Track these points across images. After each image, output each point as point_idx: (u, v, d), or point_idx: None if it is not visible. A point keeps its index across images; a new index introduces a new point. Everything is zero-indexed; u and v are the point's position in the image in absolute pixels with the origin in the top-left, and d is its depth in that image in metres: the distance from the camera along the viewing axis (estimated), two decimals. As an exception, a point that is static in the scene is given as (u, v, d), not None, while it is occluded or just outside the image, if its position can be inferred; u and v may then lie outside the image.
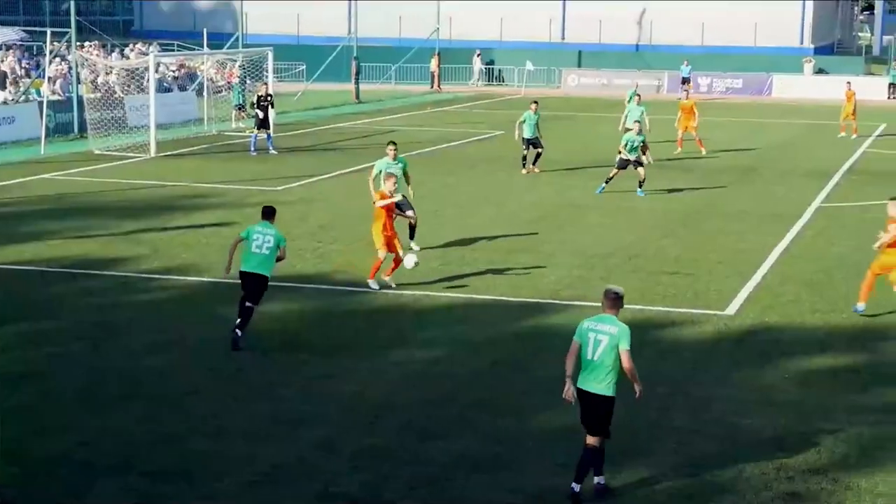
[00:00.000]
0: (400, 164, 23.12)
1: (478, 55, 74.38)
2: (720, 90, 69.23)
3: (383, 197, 20.62)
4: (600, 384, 11.93)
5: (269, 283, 17.56)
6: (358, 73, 63.67)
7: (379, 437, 13.78)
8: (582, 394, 12.02)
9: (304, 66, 69.82)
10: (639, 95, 38.76)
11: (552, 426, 14.14)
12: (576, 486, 11.94)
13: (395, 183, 20.76)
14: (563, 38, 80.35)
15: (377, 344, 17.52)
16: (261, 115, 39.19)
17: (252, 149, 39.21)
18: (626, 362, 11.79)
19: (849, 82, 51.55)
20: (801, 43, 77.55)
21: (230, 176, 33.88)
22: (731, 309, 19.55)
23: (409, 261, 20.29)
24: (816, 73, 72.11)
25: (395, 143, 23.85)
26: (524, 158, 34.50)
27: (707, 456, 13.23)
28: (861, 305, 19.13)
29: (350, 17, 70.12)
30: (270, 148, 39.26)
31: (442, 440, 13.67)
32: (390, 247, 20.37)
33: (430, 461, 13.03)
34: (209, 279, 21.35)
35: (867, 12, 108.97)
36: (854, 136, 45.86)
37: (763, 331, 18.41)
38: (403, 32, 78.36)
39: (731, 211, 27.86)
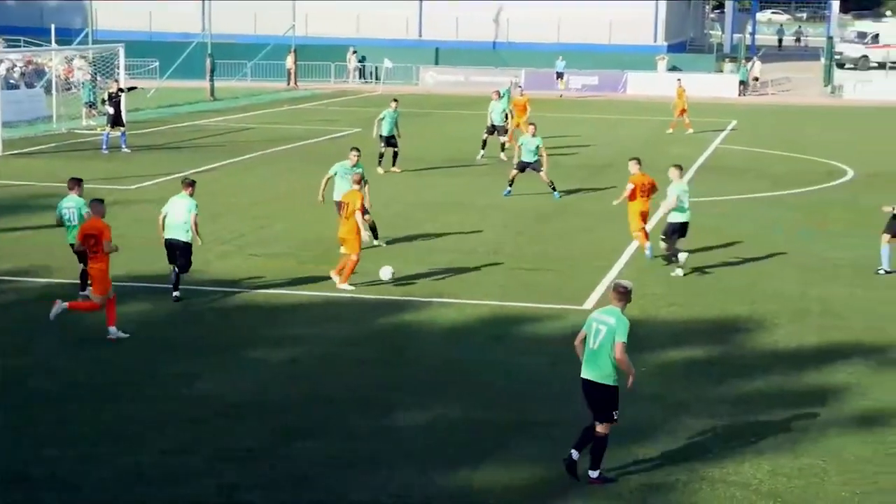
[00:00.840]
0: (359, 169, 22.88)
1: (353, 52, 73.95)
2: (576, 87, 70.01)
3: (361, 210, 20.35)
4: (600, 373, 12.43)
5: (126, 284, 17.16)
6: (213, 70, 62.78)
7: (239, 437, 13.58)
8: (583, 382, 12.59)
9: (157, 63, 68.56)
10: (504, 92, 38.93)
11: (414, 423, 14.10)
12: (574, 454, 12.38)
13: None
14: (421, 36, 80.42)
15: (236, 344, 17.28)
16: (111, 111, 38.37)
17: (104, 147, 38.34)
18: (618, 353, 12.24)
19: (679, 79, 52.99)
20: (655, 41, 78.82)
21: (81, 175, 32.94)
22: (590, 303, 19.72)
23: (386, 273, 20.48)
24: (670, 70, 73.41)
25: (357, 149, 23.93)
26: (380, 156, 34.31)
27: (565, 449, 13.28)
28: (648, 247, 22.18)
29: (204, 14, 69.14)
30: (123, 146, 38.46)
31: (303, 440, 13.53)
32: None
33: (291, 461, 12.89)
34: (59, 280, 20.79)
35: (718, 11, 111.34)
36: (689, 131, 46.91)
37: (620, 325, 18.57)
38: (259, 29, 77.53)
39: (588, 207, 28.15)
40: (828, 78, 72.77)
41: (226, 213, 27.72)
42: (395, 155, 34.38)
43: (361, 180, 21.44)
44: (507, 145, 37.35)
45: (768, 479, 12.59)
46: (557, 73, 68.91)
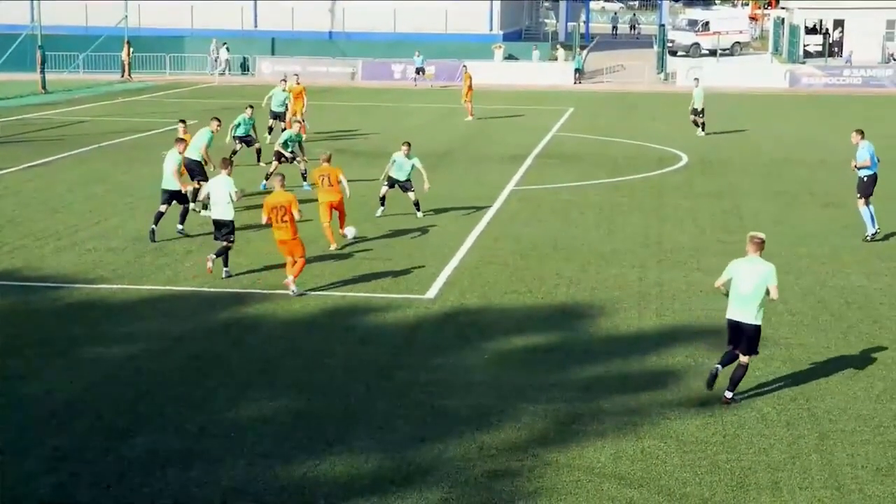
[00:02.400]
0: (413, 160, 25.78)
1: (224, 45, 72.41)
2: (413, 77, 70.05)
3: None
4: (750, 314, 14.37)
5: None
6: (43, 63, 61.07)
7: (70, 436, 13.25)
8: (733, 323, 14.55)
9: (-16, 56, 66.53)
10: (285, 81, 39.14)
11: (248, 417, 13.90)
12: (718, 368, 14.49)
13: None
14: (256, 26, 79.58)
15: (71, 341, 16.84)
16: None
17: None
18: (774, 294, 14.42)
19: (464, 65, 53.78)
20: (491, 30, 79.41)
21: None
22: (432, 292, 19.72)
23: (350, 232, 22.37)
24: (506, 59, 74.04)
25: (409, 143, 26.13)
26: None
27: (409, 439, 13.26)
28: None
29: (32, 5, 67.24)
30: None
31: (136, 437, 13.24)
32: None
33: (124, 459, 12.62)
34: None
35: (552, 0, 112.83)
36: (469, 118, 47.52)
37: (463, 313, 18.64)
38: (90, 20, 75.76)
39: (428, 195, 28.10)
40: (661, 65, 74.26)
41: (61, 207, 27.02)
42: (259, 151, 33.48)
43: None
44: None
45: (611, 462, 12.73)
46: (417, 68, 68.54)
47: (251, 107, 33.39)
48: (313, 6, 78.21)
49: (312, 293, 19.58)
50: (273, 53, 74.73)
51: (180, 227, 24.08)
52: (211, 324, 17.91)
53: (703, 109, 43.39)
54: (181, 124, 26.59)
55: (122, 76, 68.94)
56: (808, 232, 25.42)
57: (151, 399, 14.54)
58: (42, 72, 60.54)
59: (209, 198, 20.71)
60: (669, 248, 23.55)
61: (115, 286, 19.95)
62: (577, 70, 71.06)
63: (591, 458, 12.82)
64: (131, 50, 69.56)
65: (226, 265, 20.64)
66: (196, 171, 25.78)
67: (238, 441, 13.18)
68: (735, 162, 36.20)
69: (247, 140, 32.98)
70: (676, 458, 12.88)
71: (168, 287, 19.96)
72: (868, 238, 24.62)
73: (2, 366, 15.70)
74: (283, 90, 38.17)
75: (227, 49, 72.43)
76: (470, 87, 48.52)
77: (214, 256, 20.44)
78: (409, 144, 26.19)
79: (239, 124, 32.78)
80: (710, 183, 31.90)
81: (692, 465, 12.67)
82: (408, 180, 26.07)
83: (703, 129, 43.37)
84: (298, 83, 40.30)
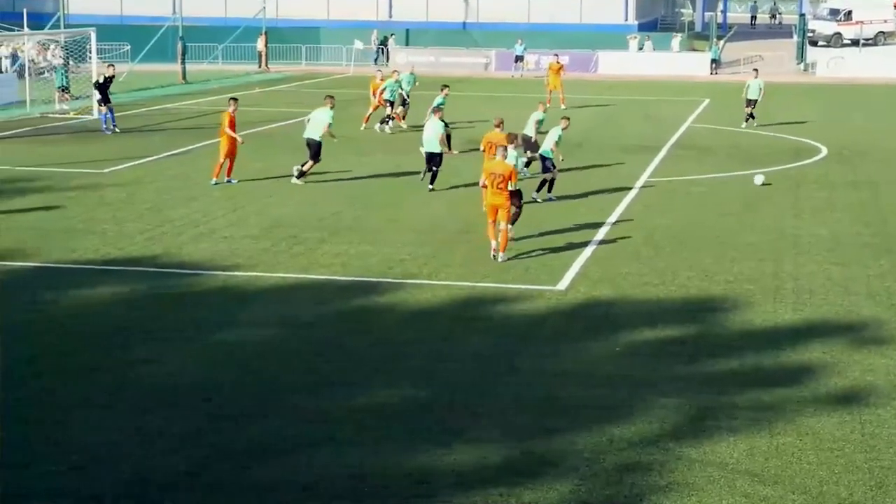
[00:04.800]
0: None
1: (263, 33, 73.11)
2: (543, 67, 69.69)
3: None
4: None
5: (96, 268, 16.94)
6: (184, 54, 62.38)
7: (200, 419, 13.41)
8: None
9: (129, 47, 68.10)
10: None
11: (374, 405, 13.95)
12: None
13: None
14: (391, 17, 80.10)
15: (204, 326, 17.09)
16: (99, 95, 39.53)
17: (105, 126, 39.24)
18: None
19: (556, 54, 54.85)
20: (626, 20, 78.74)
21: (54, 159, 32.90)
22: (563, 284, 19.61)
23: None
24: (641, 49, 73.33)
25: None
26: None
27: (538, 430, 13.17)
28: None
29: (174, -4, 68.76)
30: (104, 127, 39.14)
31: (263, 420, 13.37)
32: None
33: (254, 442, 12.73)
34: (33, 264, 20.59)
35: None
36: (562, 106, 47.27)
37: (594, 305, 18.49)
38: (229, 11, 77.08)
39: (562, 185, 27.96)
40: (801, 55, 72.82)
41: (199, 195, 27.52)
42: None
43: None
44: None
45: (745, 458, 12.49)
46: (517, 56, 68.38)
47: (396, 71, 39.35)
48: (448, -4, 78.48)
49: (442, 283, 19.62)
50: (407, 44, 75.12)
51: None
52: (341, 311, 18.05)
53: (756, 101, 41.91)
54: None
55: (259, 67, 70.01)
56: (953, 226, 24.70)
57: (279, 384, 14.67)
58: (182, 62, 61.88)
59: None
60: (806, 240, 23.08)
61: (249, 273, 20.24)
62: (713, 60, 70.05)
63: (723, 454, 12.59)
64: (267, 41, 70.58)
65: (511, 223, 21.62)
66: (314, 149, 28.99)
67: (364, 428, 13.23)
68: (876, 153, 35.33)
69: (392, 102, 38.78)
70: (812, 455, 12.58)
71: (302, 275, 20.18)
72: None
73: (136, 349, 16.00)
74: (396, 80, 40.48)
75: (394, 40, 73.44)
76: (557, 75, 49.50)
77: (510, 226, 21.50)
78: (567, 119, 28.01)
79: (385, 88, 38.94)
80: (849, 174, 31.19)
81: (829, 464, 12.37)
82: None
83: (753, 120, 41.91)
84: (382, 79, 40.96)
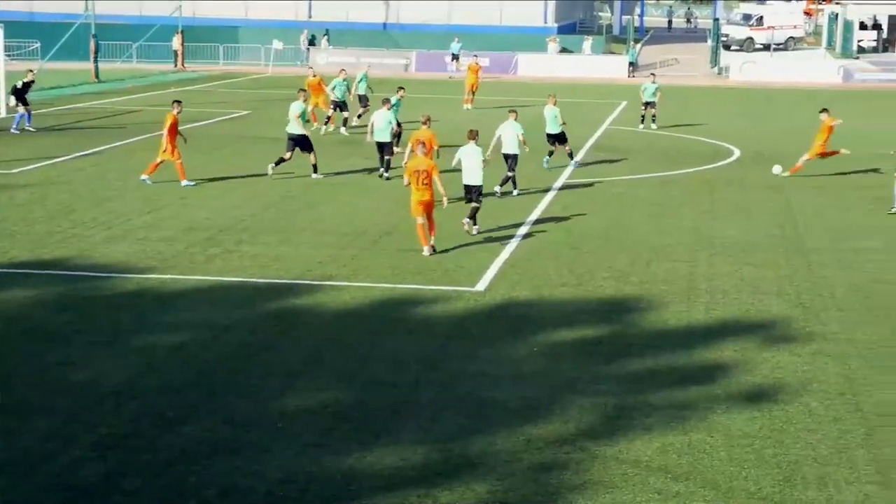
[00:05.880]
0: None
1: (180, 32, 72.74)
2: (464, 68, 69.94)
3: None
4: None
5: (6, 271, 16.74)
6: (97, 52, 61.66)
7: (118, 424, 13.34)
8: None
9: (39, 44, 67.18)
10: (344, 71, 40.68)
11: (295, 408, 13.97)
12: None
13: None
14: (310, 17, 79.87)
15: (119, 330, 16.97)
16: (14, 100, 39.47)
17: (15, 126, 38.76)
18: None
19: (475, 55, 56.52)
20: (545, 22, 79.27)
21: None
22: (482, 285, 19.74)
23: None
24: (560, 52, 73.87)
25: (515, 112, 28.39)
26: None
27: (457, 431, 13.28)
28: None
29: (88, -6, 68.00)
30: (14, 127, 38.50)
31: (185, 425, 13.32)
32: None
33: (172, 447, 12.68)
34: None
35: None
36: (468, 106, 48.86)
37: (512, 306, 18.65)
38: (144, 10, 76.37)
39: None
40: (714, 59, 73.82)
41: (113, 197, 27.29)
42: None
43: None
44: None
45: (658, 455, 12.70)
46: (453, 54, 68.62)
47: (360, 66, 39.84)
48: (368, -4, 78.51)
49: (361, 284, 19.66)
50: (328, 44, 74.96)
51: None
52: (260, 314, 18.02)
53: (654, 103, 42.70)
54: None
55: (175, 66, 69.44)
56: (859, 226, 25.25)
57: (199, 388, 14.63)
58: (95, 61, 61.15)
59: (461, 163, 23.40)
60: (720, 242, 23.45)
61: (164, 276, 20.11)
62: (631, 63, 70.77)
63: (638, 452, 12.80)
64: (184, 40, 70.02)
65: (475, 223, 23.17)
66: (303, 142, 29.99)
67: (285, 431, 13.25)
68: (788, 156, 35.87)
69: (341, 104, 38.50)
70: (723, 451, 12.83)
71: (218, 277, 20.10)
72: (893, 212, 26.38)
73: (51, 353, 15.85)
74: (343, 80, 39.45)
75: (328, 41, 73.22)
76: (475, 75, 50.64)
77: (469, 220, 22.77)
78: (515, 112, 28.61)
79: (335, 87, 38.67)
80: (763, 177, 31.70)
81: (739, 460, 12.62)
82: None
83: (653, 122, 42.82)
84: (314, 76, 40.84)
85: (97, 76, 60.29)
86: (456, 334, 17.15)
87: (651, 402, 14.31)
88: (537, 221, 25.21)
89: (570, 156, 32.91)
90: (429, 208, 21.56)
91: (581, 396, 14.47)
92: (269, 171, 29.92)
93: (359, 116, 40.03)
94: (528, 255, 21.99)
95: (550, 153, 32.43)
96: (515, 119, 28.11)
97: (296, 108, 30.10)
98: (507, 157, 27.97)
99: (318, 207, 26.44)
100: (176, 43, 70.09)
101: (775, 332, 17.38)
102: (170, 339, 16.61)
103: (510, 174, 28.06)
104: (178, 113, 29.05)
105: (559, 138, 32.25)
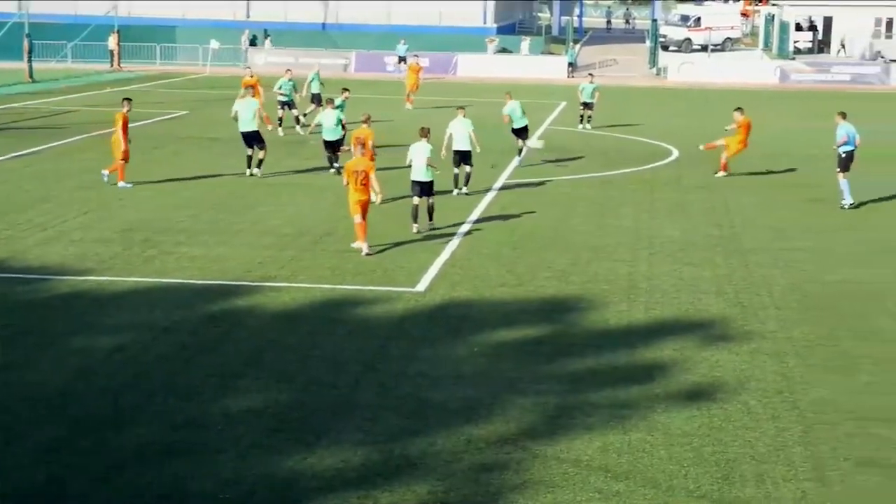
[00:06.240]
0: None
1: (116, 32, 72.13)
2: (403, 68, 69.85)
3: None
4: None
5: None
6: (31, 51, 60.90)
7: (62, 427, 13.20)
8: None
9: (-31, 44, 66.31)
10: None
11: (236, 409, 13.88)
12: None
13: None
14: (248, 17, 79.45)
15: (58, 332, 16.78)
16: None
17: None
18: None
19: (415, 55, 57.38)
20: (485, 23, 79.40)
21: None
22: (422, 285, 19.72)
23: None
24: (499, 52, 74.02)
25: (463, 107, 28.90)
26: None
27: (397, 431, 13.26)
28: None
29: (22, -7, 67.24)
30: None
31: (127, 428, 13.20)
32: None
33: (118, 450, 12.57)
34: None
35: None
36: (409, 106, 49.34)
37: (453, 306, 18.64)
38: (79, 9, 75.58)
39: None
40: (653, 60, 74.30)
41: (48, 198, 26.98)
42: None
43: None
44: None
45: (599, 454, 12.75)
46: (399, 56, 68.30)
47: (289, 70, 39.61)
48: (307, -3, 78.24)
49: (301, 285, 19.58)
50: (255, 45, 74.64)
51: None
52: (199, 315, 17.88)
53: (592, 104, 43.11)
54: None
55: (112, 66, 68.79)
56: (796, 225, 25.52)
57: (139, 390, 14.50)
58: (29, 61, 60.39)
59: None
60: (660, 242, 23.59)
61: (102, 278, 19.90)
62: (570, 64, 71.04)
63: (578, 451, 12.83)
64: (120, 39, 69.36)
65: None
66: (256, 138, 30.15)
67: (226, 433, 13.16)
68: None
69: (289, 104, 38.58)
70: (663, 450, 12.90)
71: (156, 279, 19.93)
72: (844, 206, 27.04)
73: (-10, 356, 15.67)
74: (289, 80, 39.40)
75: (272, 41, 72.83)
76: (416, 75, 51.17)
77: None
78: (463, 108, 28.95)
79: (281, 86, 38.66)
80: (700, 177, 31.93)
81: (678, 458, 12.70)
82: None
83: (589, 123, 43.21)
84: (252, 76, 40.68)
85: (31, 76, 59.56)
86: (396, 335, 17.11)
87: (592, 401, 14.37)
88: (478, 221, 25.22)
89: (520, 153, 33.53)
90: (365, 208, 21.59)
91: (522, 396, 14.49)
92: (257, 174, 30.22)
93: (304, 115, 39.83)
94: (469, 255, 22.00)
95: (520, 150, 33.45)
96: (464, 116, 28.17)
97: (252, 105, 30.21)
98: (459, 153, 28.00)
99: (257, 208, 26.29)
100: (112, 43, 69.42)
101: (714, 330, 17.51)
102: (109, 342, 16.44)
103: (469, 170, 28.29)
104: (129, 111, 28.72)
105: (523, 133, 33.21)
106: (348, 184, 21.74)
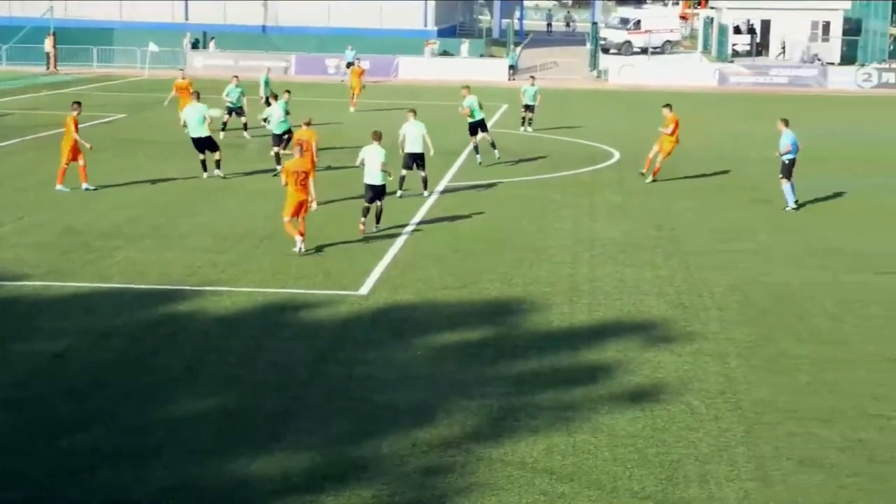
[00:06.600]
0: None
1: (52, 34, 71.36)
2: (346, 72, 69.71)
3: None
4: None
5: None
6: (-34, 54, 60.14)
7: (4, 433, 13.03)
8: None
9: None
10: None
11: (179, 415, 13.79)
12: None
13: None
14: (187, 19, 78.90)
15: (-4, 338, 16.57)
16: None
17: None
18: None
19: (358, 58, 58.18)
20: (425, 25, 79.38)
21: None
22: (365, 289, 19.68)
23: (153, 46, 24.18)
24: (440, 54, 74.05)
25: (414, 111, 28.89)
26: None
27: (343, 435, 13.23)
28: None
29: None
30: None
31: (72, 434, 13.07)
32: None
33: (54, 457, 12.46)
34: None
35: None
36: (352, 109, 49.66)
37: (396, 309, 18.62)
38: (13, 10, 74.68)
39: (359, 191, 28.00)
40: (593, 62, 74.66)
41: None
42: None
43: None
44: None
45: (543, 457, 12.78)
46: (348, 62, 67.83)
47: (236, 76, 39.27)
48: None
49: (243, 289, 19.47)
50: (205, 46, 74.15)
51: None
52: (140, 320, 17.73)
53: (533, 106, 43.36)
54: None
55: (48, 68, 68.04)
56: (736, 227, 25.74)
57: (80, 397, 14.36)
58: (-36, 64, 59.65)
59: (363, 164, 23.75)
60: (601, 244, 23.70)
61: (40, 283, 19.67)
62: (511, 66, 71.22)
63: (523, 453, 12.86)
64: (56, 42, 68.59)
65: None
66: (209, 142, 30.14)
67: (170, 439, 13.06)
68: (665, 159, 36.42)
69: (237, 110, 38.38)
70: (607, 452, 12.96)
71: (96, 284, 19.73)
72: (789, 209, 27.56)
73: (-73, 362, 15.44)
74: (236, 86, 39.08)
75: (216, 44, 72.30)
76: (359, 78, 51.58)
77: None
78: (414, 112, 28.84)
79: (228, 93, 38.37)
80: (641, 180, 32.10)
81: (622, 459, 12.76)
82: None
83: (530, 125, 43.45)
84: (184, 78, 40.46)
85: (-35, 79, 58.80)
86: (340, 338, 17.07)
87: (536, 403, 14.41)
88: (420, 223, 25.21)
89: (493, 145, 34.43)
90: (301, 209, 21.86)
91: (467, 399, 14.50)
92: (219, 174, 30.34)
93: (265, 120, 39.40)
94: (411, 258, 21.98)
95: (476, 147, 34.17)
96: (415, 118, 28.21)
97: (200, 111, 30.06)
98: (412, 156, 28.06)
99: (197, 211, 26.12)
100: (48, 45, 68.64)
101: (656, 332, 17.62)
102: (48, 348, 16.26)
103: (423, 174, 28.46)
104: (79, 115, 28.51)
105: (482, 126, 34.08)
106: (287, 184, 21.82)
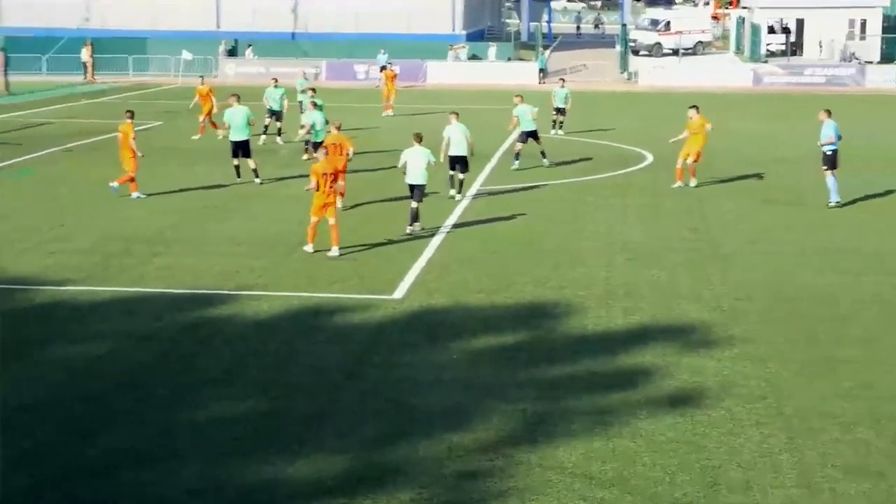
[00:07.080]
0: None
1: (89, 44, 71.61)
2: (377, 77, 69.81)
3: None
4: None
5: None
6: (6, 64, 60.56)
7: (37, 437, 13.13)
8: None
9: (-57, 57, 65.78)
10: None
11: (214, 418, 13.82)
12: None
13: None
14: (218, 27, 79.15)
15: (35, 342, 16.69)
16: None
17: None
18: None
19: (391, 62, 58.35)
20: (453, 30, 79.33)
21: None
22: (399, 293, 19.65)
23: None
24: (469, 59, 73.98)
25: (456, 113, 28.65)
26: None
27: (378, 439, 13.21)
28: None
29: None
30: None
31: (101, 437, 13.17)
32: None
33: (93, 458, 12.53)
34: None
35: (514, 0, 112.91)
36: (389, 112, 49.88)
37: (430, 313, 18.58)
38: (53, 22, 75.18)
39: (394, 194, 28.03)
40: (623, 64, 74.42)
41: (23, 209, 26.77)
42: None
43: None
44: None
45: (582, 461, 12.70)
46: (382, 66, 67.70)
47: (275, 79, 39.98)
48: (276, 7, 77.92)
49: (279, 293, 19.48)
50: (237, 54, 74.39)
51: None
52: (177, 324, 17.79)
53: (564, 109, 43.14)
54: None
55: (85, 78, 68.46)
56: (773, 229, 25.54)
57: (117, 399, 14.44)
58: (5, 73, 60.09)
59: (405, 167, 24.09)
60: (636, 246, 23.58)
61: (80, 287, 19.78)
62: (541, 70, 71.07)
63: (561, 458, 12.78)
64: (93, 51, 69.05)
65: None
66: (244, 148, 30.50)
67: (204, 441, 13.08)
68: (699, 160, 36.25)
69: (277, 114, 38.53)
70: (647, 457, 12.86)
71: (134, 288, 19.82)
72: (831, 205, 27.38)
73: (-35, 369, 15.52)
74: (275, 87, 39.55)
75: (253, 51, 72.54)
76: (392, 83, 51.88)
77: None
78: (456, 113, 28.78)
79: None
80: (675, 181, 31.90)
81: (662, 465, 12.65)
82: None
83: (560, 129, 43.27)
84: (204, 84, 40.66)
85: (7, 89, 59.26)
86: (374, 341, 17.05)
87: (573, 407, 14.33)
88: (454, 227, 25.17)
89: (543, 154, 34.76)
90: (327, 209, 22.01)
91: (502, 403, 14.44)
92: (257, 182, 30.47)
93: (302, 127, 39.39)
94: (445, 263, 21.94)
95: (518, 154, 34.27)
96: (457, 120, 28.24)
97: (244, 112, 30.31)
98: (455, 158, 28.06)
99: (231, 217, 26.18)
100: (85, 55, 69.09)
101: (694, 336, 17.49)
102: (88, 351, 16.37)
103: (461, 177, 28.54)
104: (132, 123, 28.56)
105: (534, 135, 34.16)
106: (315, 187, 21.88)
